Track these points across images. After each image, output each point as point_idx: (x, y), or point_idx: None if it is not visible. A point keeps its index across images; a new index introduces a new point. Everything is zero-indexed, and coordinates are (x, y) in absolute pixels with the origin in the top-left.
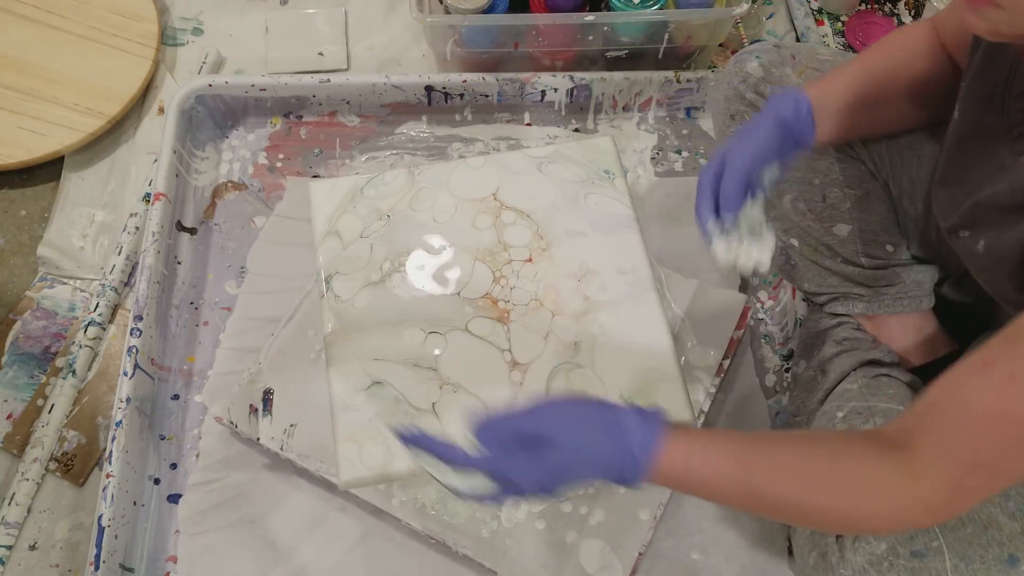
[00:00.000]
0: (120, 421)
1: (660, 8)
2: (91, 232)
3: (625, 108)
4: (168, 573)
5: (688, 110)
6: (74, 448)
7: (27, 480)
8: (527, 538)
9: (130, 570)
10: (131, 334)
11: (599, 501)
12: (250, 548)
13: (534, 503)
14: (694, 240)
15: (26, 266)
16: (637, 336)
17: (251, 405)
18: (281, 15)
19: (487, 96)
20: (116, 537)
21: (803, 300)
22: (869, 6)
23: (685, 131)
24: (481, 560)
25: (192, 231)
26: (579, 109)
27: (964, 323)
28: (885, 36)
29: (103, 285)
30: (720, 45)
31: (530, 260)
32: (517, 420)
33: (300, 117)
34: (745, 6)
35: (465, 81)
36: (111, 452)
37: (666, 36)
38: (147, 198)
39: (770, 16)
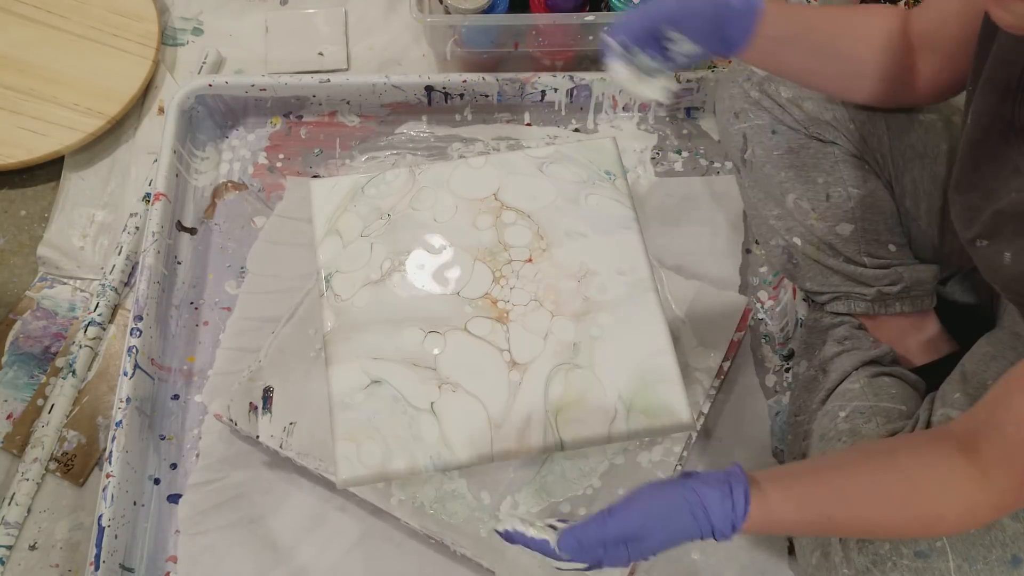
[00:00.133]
0: (120, 421)
1: None
2: (91, 232)
3: (625, 108)
4: (168, 573)
5: (688, 110)
6: (74, 448)
7: (27, 480)
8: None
9: (130, 570)
10: (131, 334)
11: (598, 502)
12: (250, 548)
13: None
14: (694, 240)
15: (26, 266)
16: (636, 337)
17: (251, 403)
18: (281, 15)
19: (487, 96)
20: (116, 537)
21: (804, 300)
22: None
23: (685, 131)
24: (479, 559)
25: (192, 231)
26: (579, 109)
27: (966, 323)
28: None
29: (103, 285)
30: None
31: (530, 260)
32: (602, 530)
33: (300, 117)
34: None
35: (465, 81)
36: (111, 452)
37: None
38: (147, 198)
39: None
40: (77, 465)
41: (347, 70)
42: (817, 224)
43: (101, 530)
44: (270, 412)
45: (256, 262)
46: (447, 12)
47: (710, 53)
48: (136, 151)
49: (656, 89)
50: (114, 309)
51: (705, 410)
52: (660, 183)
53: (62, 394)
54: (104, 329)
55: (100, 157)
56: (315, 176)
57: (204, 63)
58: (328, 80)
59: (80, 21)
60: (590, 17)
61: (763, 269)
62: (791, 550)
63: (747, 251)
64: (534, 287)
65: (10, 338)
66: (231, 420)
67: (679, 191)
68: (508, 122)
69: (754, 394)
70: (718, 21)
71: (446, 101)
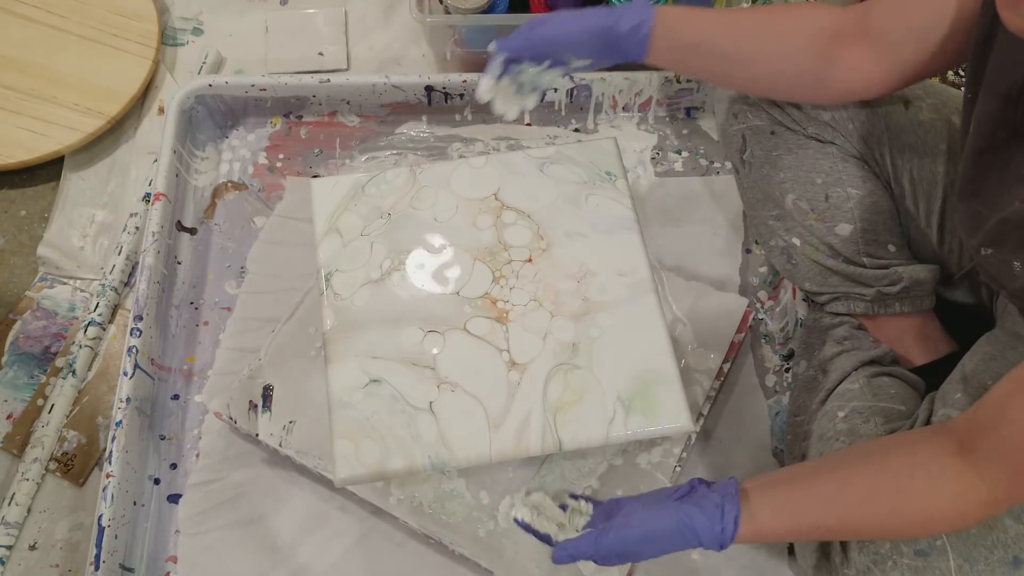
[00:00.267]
0: (120, 421)
1: None
2: (91, 232)
3: (625, 108)
4: (168, 573)
5: (688, 110)
6: (74, 448)
7: (27, 480)
8: (524, 538)
9: (130, 570)
10: (131, 334)
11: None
12: (250, 548)
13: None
14: (694, 240)
15: (26, 266)
16: (636, 338)
17: (251, 401)
18: (281, 15)
19: None
20: (116, 537)
21: (803, 300)
22: None
23: (685, 131)
24: (477, 559)
25: (192, 231)
26: (579, 109)
27: (966, 323)
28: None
29: (103, 285)
30: None
31: (530, 260)
32: (595, 549)
33: (300, 117)
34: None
35: (465, 81)
36: (111, 452)
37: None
38: (147, 198)
39: None
40: (77, 465)
41: (347, 70)
42: (816, 225)
43: (101, 530)
44: (270, 410)
45: (256, 262)
46: (447, 12)
47: (608, 64)
48: (136, 151)
49: (513, 109)
50: (114, 309)
51: (705, 411)
52: (660, 183)
53: (62, 394)
54: (104, 329)
55: (100, 157)
56: (315, 176)
57: (204, 63)
58: (328, 80)
59: (80, 21)
60: None
61: (763, 269)
62: (791, 550)
63: (747, 251)
64: (534, 287)
65: (10, 338)
66: (231, 418)
67: (679, 191)
68: (508, 122)
69: (754, 394)
70: (608, 43)
71: (446, 101)
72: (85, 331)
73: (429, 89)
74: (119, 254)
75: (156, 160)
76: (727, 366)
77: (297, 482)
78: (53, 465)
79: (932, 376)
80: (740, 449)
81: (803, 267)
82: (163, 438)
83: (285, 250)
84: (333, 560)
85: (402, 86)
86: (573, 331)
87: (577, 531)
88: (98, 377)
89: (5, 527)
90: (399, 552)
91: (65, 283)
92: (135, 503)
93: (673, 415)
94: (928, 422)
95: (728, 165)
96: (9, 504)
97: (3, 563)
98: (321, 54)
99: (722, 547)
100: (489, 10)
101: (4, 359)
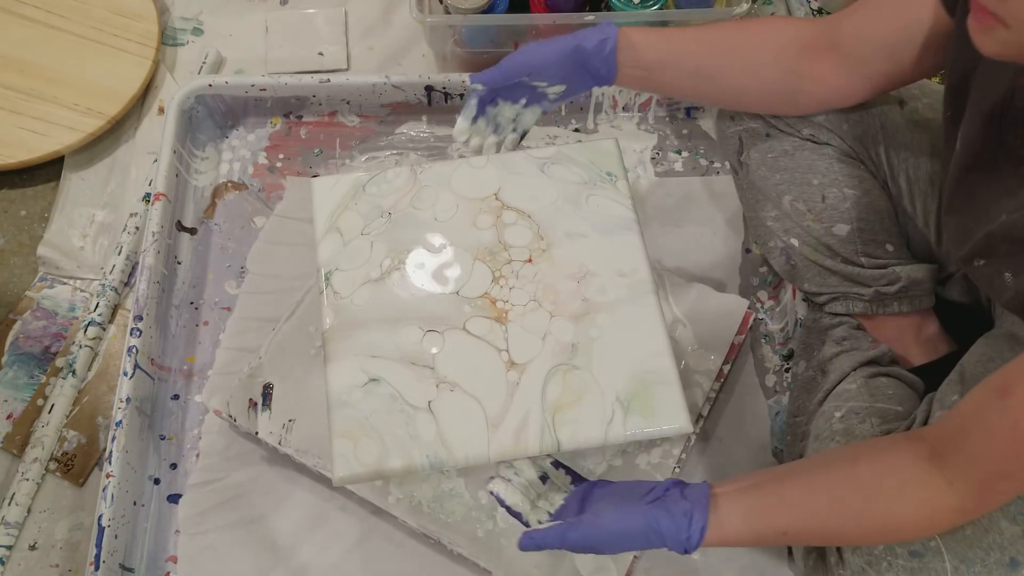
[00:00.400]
0: (120, 421)
1: (660, 8)
2: (91, 232)
3: (625, 108)
4: (168, 573)
5: (688, 110)
6: (74, 448)
7: (27, 480)
8: None
9: (130, 570)
10: (131, 334)
11: None
12: (250, 548)
13: None
14: (694, 240)
15: (26, 266)
16: (635, 339)
17: (250, 399)
18: (281, 15)
19: None
20: (116, 537)
21: (803, 300)
22: None
23: (685, 131)
24: (476, 559)
25: (192, 231)
26: (579, 109)
27: (964, 323)
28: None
29: (103, 285)
30: None
31: (530, 260)
32: (561, 541)
33: (300, 117)
34: (745, 6)
35: (465, 81)
36: (111, 452)
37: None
38: (147, 198)
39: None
40: (77, 465)
41: (347, 70)
42: (814, 225)
43: (101, 530)
44: (269, 409)
45: (256, 262)
46: (447, 12)
47: (582, 90)
48: (136, 151)
49: (491, 147)
50: (114, 309)
51: (704, 413)
52: (660, 183)
53: (62, 394)
54: (104, 329)
55: (100, 157)
56: (315, 176)
57: (204, 63)
58: (328, 80)
59: (80, 21)
60: (590, 17)
61: (763, 269)
62: (790, 551)
63: (747, 251)
64: (533, 287)
65: (10, 338)
66: (230, 416)
67: (679, 191)
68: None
69: (754, 394)
70: (577, 63)
71: (446, 101)
72: (85, 331)
73: (429, 89)
74: (119, 254)
75: (156, 160)
76: (727, 367)
77: (297, 482)
78: (53, 465)
79: (932, 376)
80: (740, 449)
81: (802, 268)
82: (163, 438)
83: (285, 250)
84: (333, 560)
85: (402, 86)
86: (572, 331)
87: (551, 511)
88: (98, 377)
89: (5, 527)
90: (399, 552)
91: (65, 283)
92: (135, 503)
93: (672, 416)
94: (926, 423)
95: (728, 165)
96: (9, 504)
97: (3, 563)
98: (321, 54)
99: (687, 552)
100: (489, 10)
101: (4, 359)
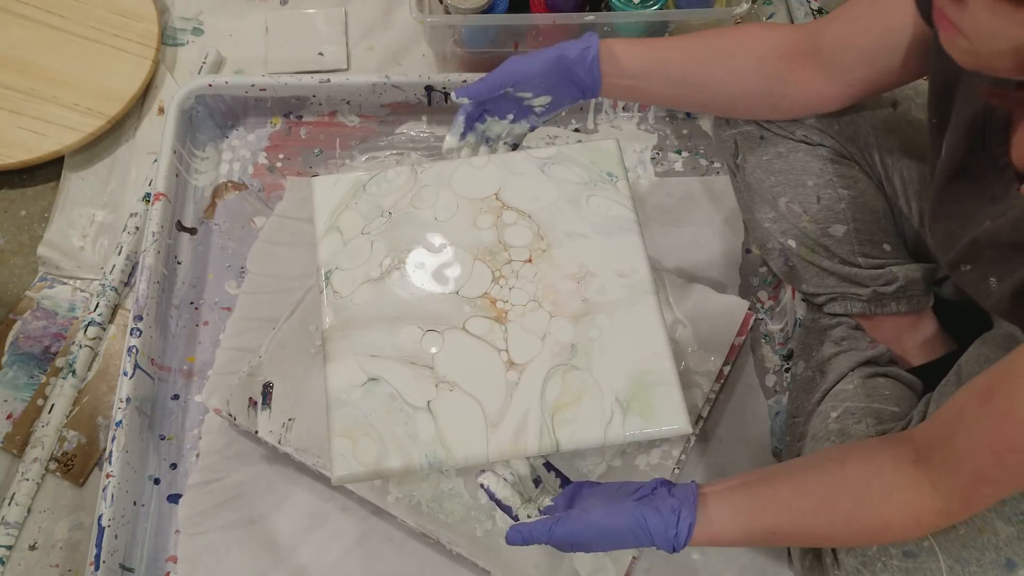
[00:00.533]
0: (120, 421)
1: (660, 8)
2: (91, 232)
3: (625, 108)
4: (168, 573)
5: None
6: (74, 448)
7: (27, 480)
8: None
9: (130, 570)
10: (131, 334)
11: None
12: (250, 548)
13: None
14: (694, 240)
15: (26, 266)
16: (635, 340)
17: (250, 398)
18: (281, 15)
19: None
20: (116, 537)
21: (803, 300)
22: None
23: (685, 131)
24: (475, 559)
25: (192, 231)
26: (579, 109)
27: (964, 322)
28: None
29: (103, 285)
30: None
31: (530, 261)
32: (548, 535)
33: (300, 117)
34: (745, 6)
35: (465, 81)
36: (111, 452)
37: (666, 36)
38: (147, 198)
39: (770, 16)
40: (77, 465)
41: (347, 70)
42: (810, 226)
43: (101, 530)
44: (269, 408)
45: (256, 262)
46: (447, 12)
47: (568, 102)
48: (136, 151)
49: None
50: (114, 309)
51: (704, 414)
52: (660, 183)
53: (62, 394)
54: (104, 329)
55: (100, 157)
56: (315, 176)
57: (204, 63)
58: (328, 80)
59: (80, 21)
60: (590, 17)
61: (763, 269)
62: (790, 553)
63: (747, 251)
64: (533, 287)
65: (10, 338)
66: (230, 415)
67: (679, 191)
68: None
69: (754, 394)
70: (562, 73)
71: (446, 101)
72: (85, 331)
73: (429, 89)
74: (119, 254)
75: (156, 160)
76: (727, 368)
77: (297, 482)
78: (53, 465)
79: (931, 376)
80: (740, 449)
81: (800, 269)
82: (163, 438)
83: (285, 250)
84: (333, 560)
85: (402, 86)
86: (572, 332)
87: (540, 508)
88: (98, 377)
89: (5, 527)
90: (399, 552)
91: (65, 283)
92: (135, 503)
93: (671, 417)
94: None
95: (727, 166)
96: (9, 504)
97: (3, 563)
98: (321, 54)
99: (675, 550)
100: (489, 10)
101: (4, 359)
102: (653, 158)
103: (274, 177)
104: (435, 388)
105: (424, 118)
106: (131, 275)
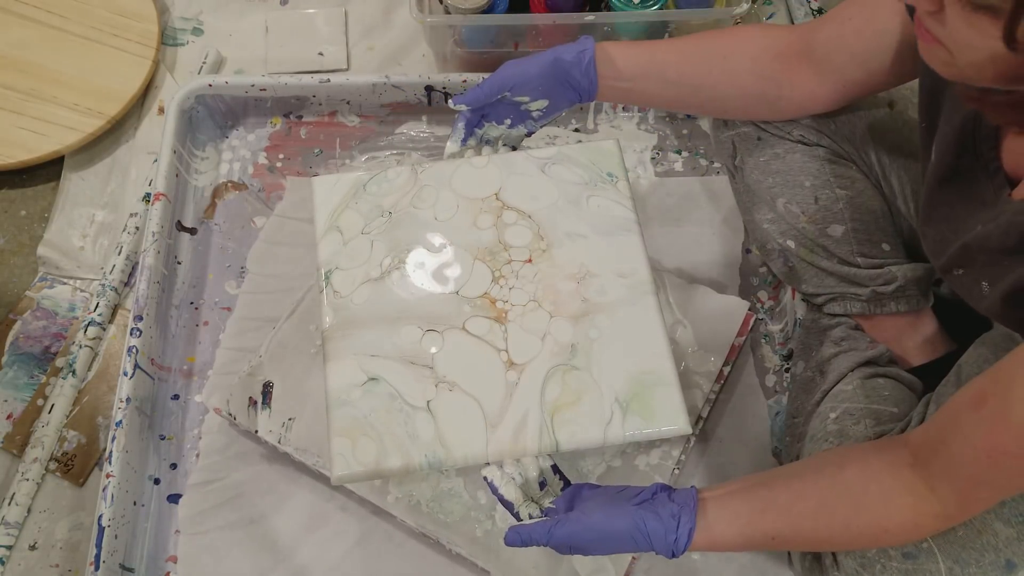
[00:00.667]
0: (120, 421)
1: (660, 8)
2: (91, 232)
3: (625, 108)
4: (168, 573)
5: None
6: (74, 448)
7: (27, 480)
8: None
9: (130, 570)
10: (131, 334)
11: None
12: (250, 548)
13: None
14: (694, 240)
15: (26, 266)
16: (634, 340)
17: (250, 398)
18: (281, 15)
19: None
20: (116, 537)
21: (802, 300)
22: None
23: (685, 131)
24: (474, 559)
25: (192, 231)
26: (579, 109)
27: (964, 322)
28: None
29: (103, 285)
30: None
31: (530, 261)
32: (547, 538)
33: (300, 117)
34: (745, 6)
35: (465, 81)
36: (111, 452)
37: (666, 36)
38: (147, 198)
39: (770, 16)
40: (77, 465)
41: (347, 70)
42: (808, 227)
43: (101, 530)
44: (269, 407)
45: (256, 262)
46: (447, 12)
47: (565, 106)
48: (136, 151)
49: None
50: (114, 309)
51: (704, 415)
52: (660, 183)
53: (62, 394)
54: (104, 329)
55: (100, 157)
56: (315, 176)
57: (204, 63)
58: (328, 80)
59: (80, 21)
60: (590, 17)
61: (763, 269)
62: (790, 554)
63: (747, 251)
64: (533, 287)
65: (10, 338)
66: (230, 414)
67: (679, 191)
68: None
69: (754, 394)
70: (558, 76)
71: (446, 101)
72: (85, 331)
73: (429, 89)
74: (119, 254)
75: (156, 160)
76: (727, 369)
77: (297, 482)
78: (53, 465)
79: (931, 376)
80: (740, 450)
81: (799, 269)
82: (163, 438)
83: (285, 250)
84: (333, 560)
85: (402, 86)
86: (572, 332)
87: (541, 508)
88: (98, 377)
89: (5, 527)
90: (399, 552)
91: (65, 283)
92: (135, 503)
93: (671, 418)
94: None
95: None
96: (9, 504)
97: (3, 563)
98: (321, 54)
99: (674, 555)
100: (489, 10)
101: (4, 359)
102: (653, 158)
103: (274, 177)
104: (435, 388)
105: (424, 118)
106: (131, 275)
